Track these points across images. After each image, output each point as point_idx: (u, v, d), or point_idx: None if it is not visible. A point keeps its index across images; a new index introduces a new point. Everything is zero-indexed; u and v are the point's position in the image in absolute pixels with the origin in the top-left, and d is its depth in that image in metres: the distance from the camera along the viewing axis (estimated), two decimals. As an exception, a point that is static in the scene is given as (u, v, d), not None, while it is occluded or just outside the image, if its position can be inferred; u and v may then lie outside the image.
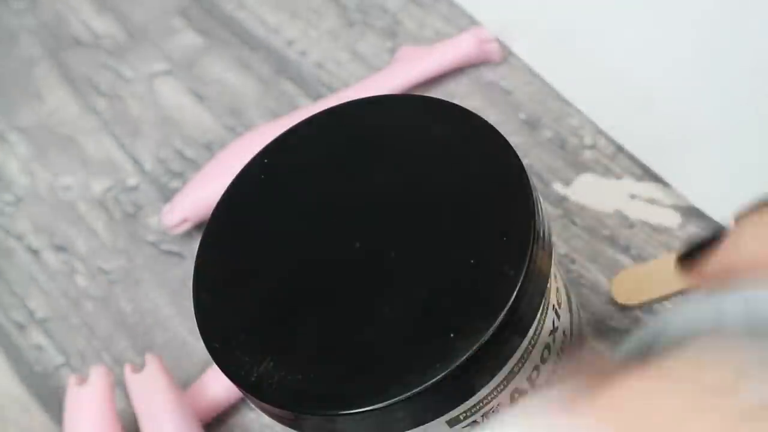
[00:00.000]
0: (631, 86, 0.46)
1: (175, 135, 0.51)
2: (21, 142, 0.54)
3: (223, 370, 0.32)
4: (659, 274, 0.41)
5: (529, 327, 0.32)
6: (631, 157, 0.44)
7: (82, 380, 0.42)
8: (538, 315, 0.32)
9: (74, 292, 0.49)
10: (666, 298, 0.41)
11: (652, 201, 0.43)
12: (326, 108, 0.36)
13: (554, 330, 0.34)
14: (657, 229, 0.42)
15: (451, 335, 0.30)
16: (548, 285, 0.33)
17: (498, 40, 0.48)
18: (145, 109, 0.53)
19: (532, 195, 0.31)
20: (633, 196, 0.43)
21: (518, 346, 0.31)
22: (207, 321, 0.33)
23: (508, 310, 0.30)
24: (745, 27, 0.45)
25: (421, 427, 0.31)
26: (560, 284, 0.35)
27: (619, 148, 0.44)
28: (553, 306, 0.34)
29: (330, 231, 0.33)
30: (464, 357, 0.29)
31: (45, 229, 0.51)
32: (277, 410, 0.31)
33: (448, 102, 0.35)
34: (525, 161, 0.45)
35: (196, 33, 0.55)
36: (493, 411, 0.33)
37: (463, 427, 0.33)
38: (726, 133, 0.43)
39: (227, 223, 0.35)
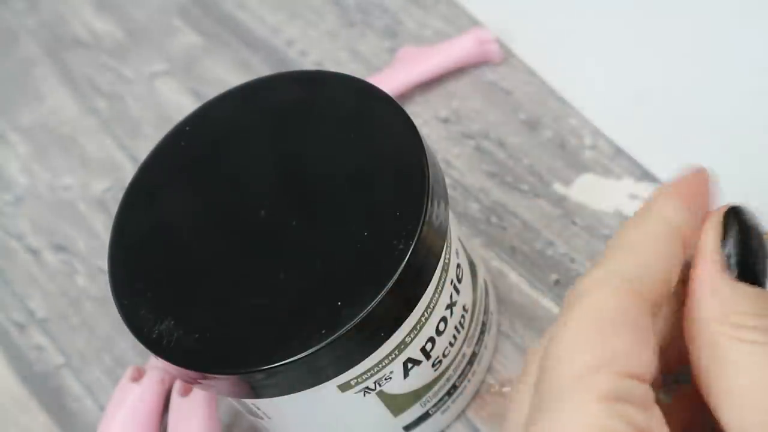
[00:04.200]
0: (631, 87, 0.46)
1: (175, 135, 0.51)
2: (21, 142, 0.54)
3: (127, 325, 0.34)
4: None
5: (419, 300, 0.33)
6: (631, 158, 0.44)
7: (139, 376, 0.42)
8: (432, 289, 0.34)
9: (74, 292, 0.49)
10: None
11: (652, 201, 0.43)
12: (243, 83, 0.38)
13: (452, 304, 0.35)
14: (657, 229, 0.42)
15: (339, 303, 0.31)
16: (446, 260, 0.34)
17: (498, 41, 0.48)
18: (145, 109, 0.53)
19: (427, 173, 0.33)
20: (633, 196, 0.43)
21: (407, 317, 0.33)
22: (119, 278, 0.35)
23: (394, 282, 0.31)
24: (747, 31, 0.45)
25: (312, 389, 0.33)
26: (463, 260, 0.37)
27: (619, 149, 0.44)
28: (452, 281, 0.35)
29: (239, 199, 0.35)
30: (349, 325, 0.31)
31: (45, 229, 0.51)
32: (171, 366, 0.33)
33: (364, 82, 0.37)
34: (525, 161, 0.45)
35: (196, 33, 0.55)
36: (385, 378, 0.34)
37: (355, 393, 0.34)
38: (726, 134, 0.43)
39: (147, 186, 0.37)
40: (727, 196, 0.42)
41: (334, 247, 0.33)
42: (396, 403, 0.36)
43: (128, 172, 0.51)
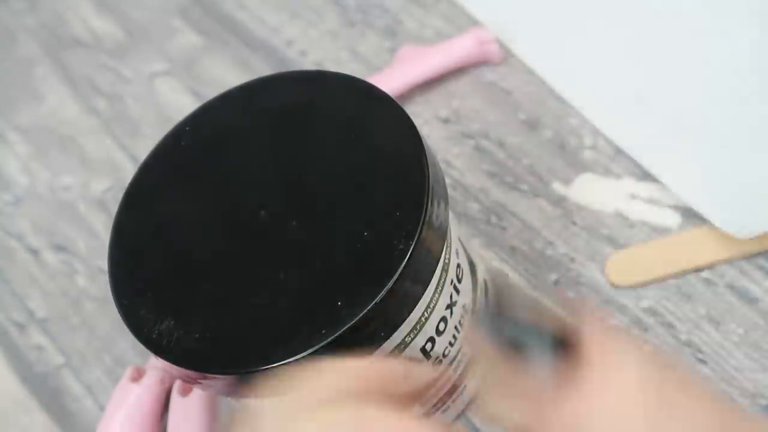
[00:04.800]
0: (631, 87, 0.46)
1: (175, 135, 0.51)
2: (21, 142, 0.54)
3: (128, 326, 0.34)
4: (654, 256, 0.42)
5: (419, 300, 0.33)
6: (631, 158, 0.44)
7: (138, 376, 0.42)
8: (432, 289, 0.34)
9: (74, 292, 0.49)
10: (659, 279, 0.41)
11: (651, 201, 0.43)
12: (243, 83, 0.38)
13: (452, 304, 0.36)
14: (656, 229, 0.42)
15: (339, 304, 0.31)
16: (446, 260, 0.34)
17: (498, 41, 0.48)
18: (145, 109, 0.53)
19: (427, 173, 0.33)
20: (633, 196, 0.43)
21: (407, 317, 0.33)
22: (119, 278, 0.35)
23: (394, 282, 0.31)
24: (747, 31, 0.45)
25: None
26: (463, 260, 0.37)
27: (619, 149, 0.44)
28: (452, 281, 0.35)
29: (240, 200, 0.35)
30: (349, 325, 0.31)
31: (45, 229, 0.51)
32: (171, 366, 0.33)
33: (364, 82, 0.37)
34: (525, 161, 0.45)
35: (196, 33, 0.55)
36: None
37: None
38: (725, 134, 0.43)
39: (147, 186, 0.37)
40: (726, 196, 0.42)
41: (334, 247, 0.33)
42: (396, 403, 0.36)
43: (128, 172, 0.51)
